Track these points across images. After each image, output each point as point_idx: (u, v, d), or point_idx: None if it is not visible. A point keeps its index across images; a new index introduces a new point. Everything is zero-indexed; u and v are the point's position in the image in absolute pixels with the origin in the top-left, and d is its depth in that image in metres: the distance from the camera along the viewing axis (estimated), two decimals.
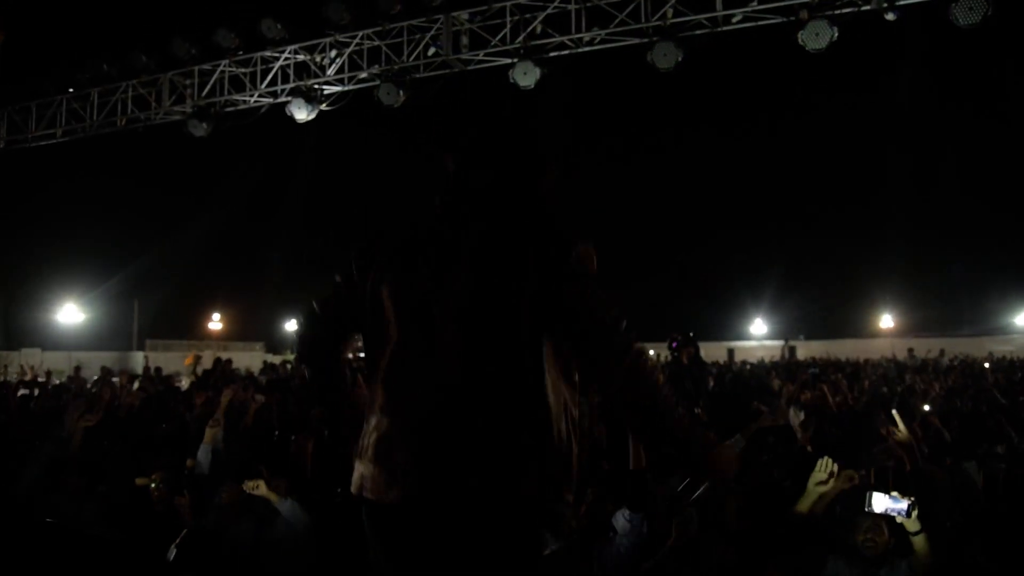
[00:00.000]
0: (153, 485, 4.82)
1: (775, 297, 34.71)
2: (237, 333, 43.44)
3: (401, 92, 9.73)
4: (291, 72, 10.95)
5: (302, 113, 10.57)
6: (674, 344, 9.67)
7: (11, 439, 6.48)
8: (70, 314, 33.67)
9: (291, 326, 41.13)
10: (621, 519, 4.08)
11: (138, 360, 30.93)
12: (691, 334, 9.64)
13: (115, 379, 11.96)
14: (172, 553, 3.65)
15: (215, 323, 42.24)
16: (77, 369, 15.74)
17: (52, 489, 4.90)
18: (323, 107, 10.68)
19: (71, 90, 12.70)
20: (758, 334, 35.77)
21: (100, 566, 3.30)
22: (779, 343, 29.93)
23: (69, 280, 33.82)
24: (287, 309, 40.99)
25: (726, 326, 35.13)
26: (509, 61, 9.22)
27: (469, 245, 1.85)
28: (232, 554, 4.11)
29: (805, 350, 28.99)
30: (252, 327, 42.84)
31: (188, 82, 11.85)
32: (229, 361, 15.12)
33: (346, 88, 10.64)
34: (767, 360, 25.23)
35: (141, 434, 6.67)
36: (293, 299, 40.98)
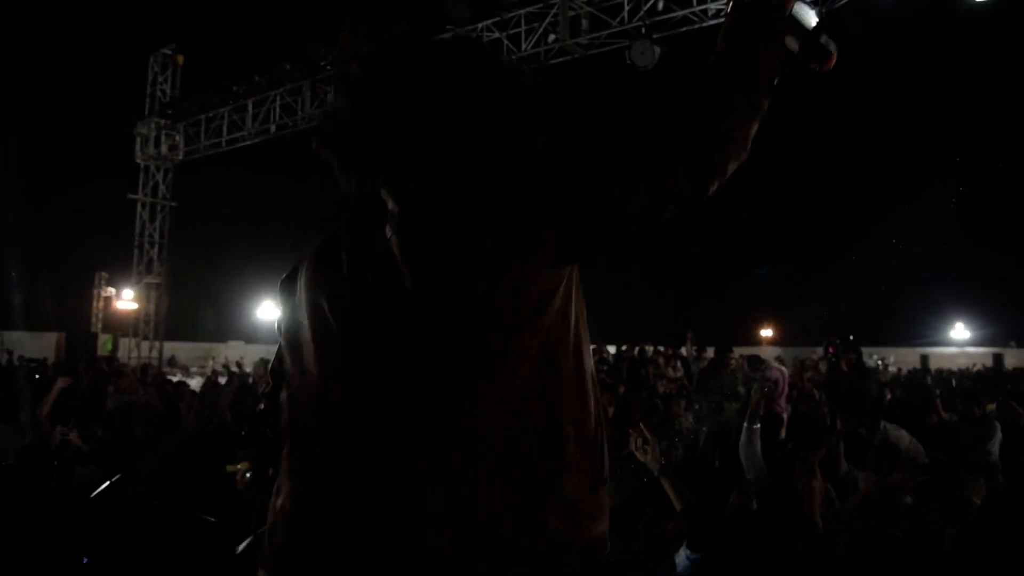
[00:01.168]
0: (239, 475, 4.80)
1: (980, 298, 30.64)
2: None
3: None
4: None
5: None
6: (831, 350, 8.79)
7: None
8: (267, 310, 36.56)
9: None
10: (683, 557, 3.51)
11: None
12: (851, 338, 8.67)
13: None
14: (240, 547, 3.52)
15: None
16: (263, 361, 16.28)
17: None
18: None
19: (231, 102, 13.65)
20: (959, 339, 31.73)
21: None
22: (985, 350, 26.27)
23: (267, 279, 36.71)
24: None
25: (920, 330, 31.34)
26: (628, 43, 8.58)
27: None
28: None
29: (1015, 359, 25.27)
30: None
31: (328, 88, 12.28)
32: None
33: None
34: (969, 369, 22.25)
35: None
36: None
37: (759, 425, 4.29)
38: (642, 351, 12.55)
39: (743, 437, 4.24)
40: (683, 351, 12.03)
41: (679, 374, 10.87)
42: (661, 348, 13.36)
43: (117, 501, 4.03)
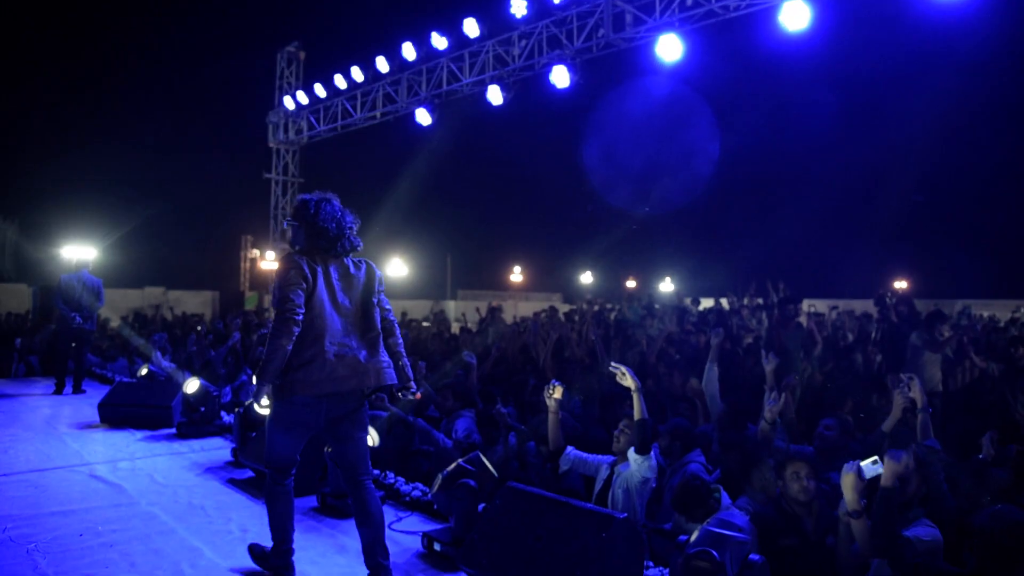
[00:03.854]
0: None
1: None
2: (537, 284, 46.85)
3: (571, 74, 10.62)
4: (489, 62, 12.43)
5: (498, 99, 11.99)
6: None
7: None
8: (397, 267, 39.14)
9: (586, 278, 43.69)
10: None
11: (451, 308, 35.68)
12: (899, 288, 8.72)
13: (425, 323, 14.37)
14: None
15: (516, 275, 45.93)
16: (403, 315, 17.15)
17: None
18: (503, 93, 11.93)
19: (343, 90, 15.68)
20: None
21: None
22: None
23: (396, 238, 39.23)
24: (582, 261, 43.24)
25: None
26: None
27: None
28: None
29: None
30: (551, 278, 45.77)
31: (420, 78, 14.00)
32: (499, 308, 16.75)
33: (535, 72, 11.81)
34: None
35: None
36: (587, 251, 43.42)
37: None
38: (731, 303, 12.64)
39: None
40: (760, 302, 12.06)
41: (763, 326, 10.50)
42: (744, 301, 13.61)
43: None
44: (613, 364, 4.43)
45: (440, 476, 4.09)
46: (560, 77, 10.62)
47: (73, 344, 9.16)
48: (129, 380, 8.88)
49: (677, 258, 35.88)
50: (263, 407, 3.32)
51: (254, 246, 22.57)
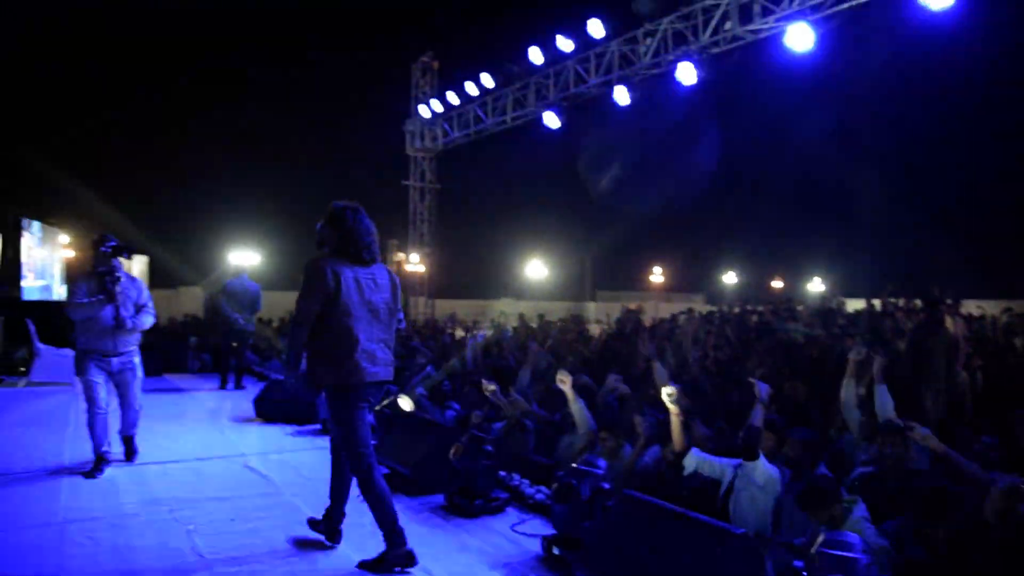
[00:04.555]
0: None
1: None
2: (678, 285, 45.87)
3: (696, 70, 10.40)
4: (615, 62, 12.39)
5: (624, 99, 11.94)
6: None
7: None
8: (536, 269, 39.47)
9: (729, 278, 42.36)
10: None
11: (590, 309, 35.69)
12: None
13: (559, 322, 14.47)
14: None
15: (656, 276, 45.19)
16: (540, 316, 16.83)
17: None
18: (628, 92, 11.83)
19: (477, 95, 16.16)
20: None
21: None
22: None
23: (534, 240, 39.60)
24: (726, 260, 42.00)
25: None
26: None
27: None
28: None
29: None
30: (693, 279, 44.70)
31: (547, 82, 14.18)
32: (637, 310, 16.56)
33: (662, 70, 11.65)
34: None
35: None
36: (730, 251, 42.07)
37: None
38: (884, 304, 12.13)
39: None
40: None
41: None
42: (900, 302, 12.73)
43: None
44: (666, 390, 4.46)
45: (556, 482, 4.18)
46: (686, 74, 10.43)
47: (235, 344, 10.07)
48: (281, 378, 9.60)
49: (829, 257, 33.90)
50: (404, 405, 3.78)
51: (399, 250, 23.58)
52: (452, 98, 16.95)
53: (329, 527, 4.08)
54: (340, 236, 3.77)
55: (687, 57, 10.65)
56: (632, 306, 16.07)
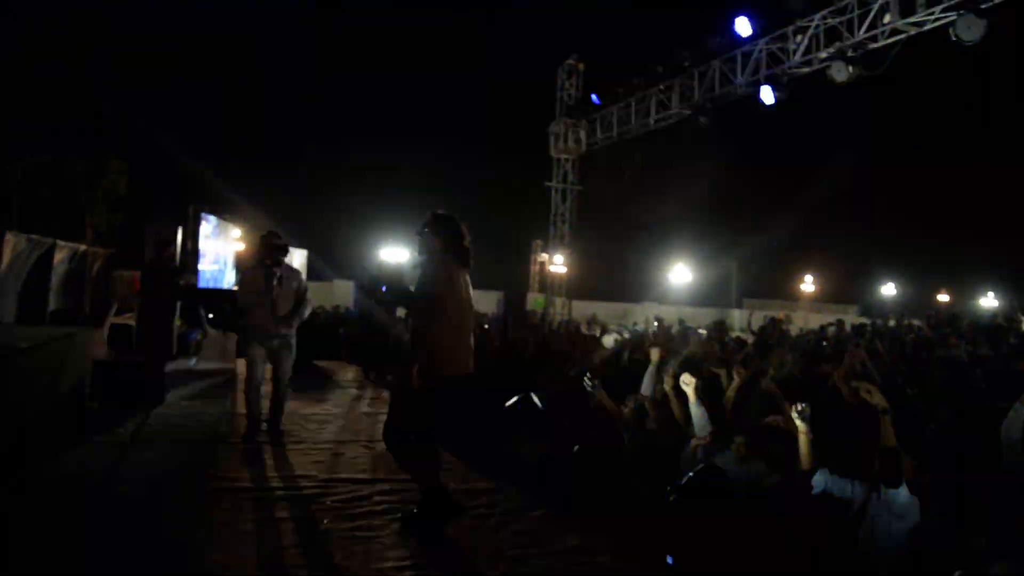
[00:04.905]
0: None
1: None
2: (830, 295, 43.49)
3: (850, 68, 9.82)
4: (763, 61, 11.94)
5: (770, 97, 11.48)
6: None
7: None
8: (680, 274, 38.68)
9: (888, 289, 39.58)
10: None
11: (735, 317, 34.52)
12: None
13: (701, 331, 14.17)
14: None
15: (807, 284, 43.04)
16: (681, 322, 17.63)
17: None
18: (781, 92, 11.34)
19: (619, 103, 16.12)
20: None
21: None
22: None
23: (678, 244, 38.77)
24: (883, 271, 39.49)
25: None
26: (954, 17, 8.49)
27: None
28: None
29: None
30: (846, 289, 42.30)
31: (692, 83, 13.89)
32: (780, 320, 15.90)
33: (813, 68, 11.10)
34: None
35: None
36: (889, 260, 39.31)
37: None
38: None
39: None
40: None
41: None
42: None
43: None
44: (861, 384, 4.14)
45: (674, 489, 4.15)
46: (839, 71, 9.89)
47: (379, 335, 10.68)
48: None
49: (1007, 269, 30.88)
50: None
51: (544, 250, 23.91)
52: (597, 99, 17.00)
53: (438, 507, 4.18)
54: (450, 240, 4.13)
55: (840, 55, 10.10)
56: (779, 315, 15.43)
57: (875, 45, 9.96)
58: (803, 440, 4.41)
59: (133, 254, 15.14)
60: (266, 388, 6.39)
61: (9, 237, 11.76)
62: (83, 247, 15.45)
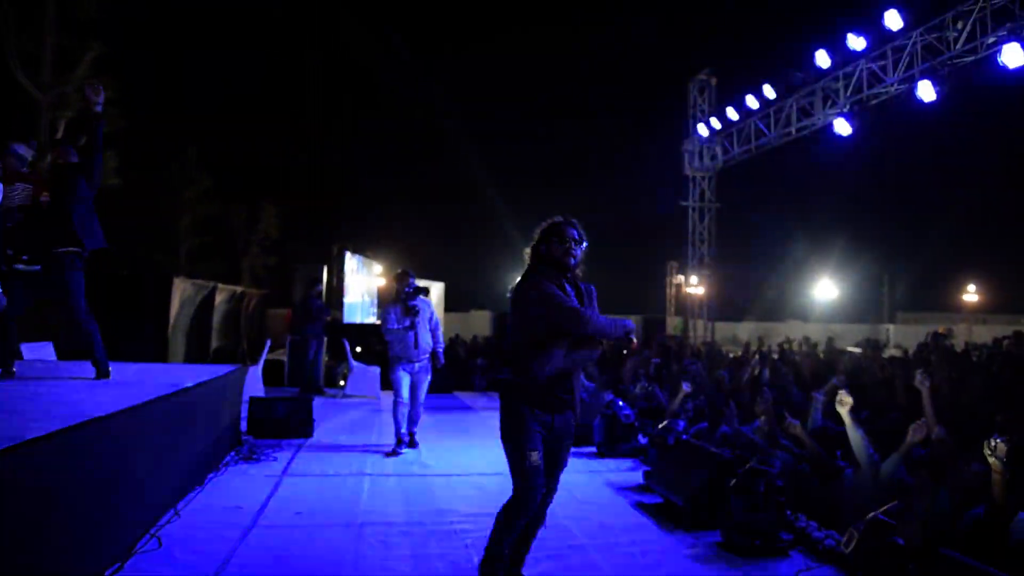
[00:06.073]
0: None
1: None
2: (999, 304, 39.77)
3: None
4: (918, 54, 10.95)
5: (930, 95, 10.50)
6: None
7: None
8: (825, 289, 36.53)
9: None
10: None
11: (889, 332, 32.14)
12: None
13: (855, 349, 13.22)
14: None
15: (970, 294, 39.58)
16: (830, 340, 15.85)
17: None
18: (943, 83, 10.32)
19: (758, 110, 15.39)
20: None
21: None
22: None
23: (823, 256, 36.58)
24: None
25: None
26: None
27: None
28: None
29: None
30: (1018, 297, 38.48)
31: (836, 86, 13.00)
32: (943, 335, 14.55)
33: (979, 56, 10.04)
34: None
35: None
36: None
37: None
38: None
39: None
40: None
41: None
42: None
43: None
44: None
45: (855, 530, 3.67)
46: (1013, 55, 8.84)
47: None
48: None
49: None
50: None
51: (679, 272, 23.24)
52: (731, 114, 16.31)
53: None
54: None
55: (1013, 35, 9.07)
56: (940, 329, 14.17)
57: None
58: (996, 480, 3.77)
59: (285, 293, 16.03)
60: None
61: (177, 283, 12.69)
62: (240, 289, 16.51)
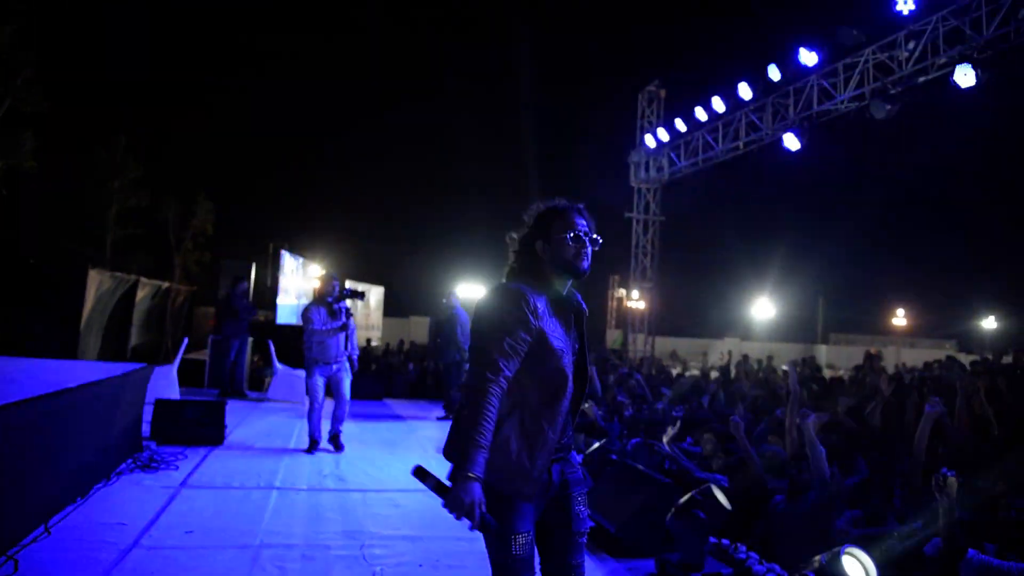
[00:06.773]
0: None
1: None
2: (925, 329, 41.02)
3: (978, 72, 8.73)
4: (869, 72, 10.91)
5: (881, 112, 10.45)
6: None
7: None
8: (763, 309, 36.98)
9: (988, 323, 36.95)
10: None
11: (821, 353, 32.66)
12: None
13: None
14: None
15: (899, 319, 40.69)
16: (769, 359, 16.02)
17: None
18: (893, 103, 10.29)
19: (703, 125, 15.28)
20: None
21: None
22: None
23: (763, 275, 36.93)
24: (983, 303, 37.07)
25: None
26: None
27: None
28: None
29: None
30: (942, 323, 39.76)
31: (785, 102, 12.92)
32: (876, 356, 14.65)
33: (929, 77, 10.01)
34: None
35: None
36: (989, 291, 36.76)
37: None
38: None
39: None
40: None
41: None
42: None
43: None
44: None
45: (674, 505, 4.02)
46: (964, 77, 8.81)
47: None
48: None
49: None
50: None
51: (620, 285, 23.09)
52: (680, 125, 16.16)
53: None
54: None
55: (963, 59, 9.03)
56: (872, 351, 14.36)
57: (1007, 45, 8.84)
58: (947, 515, 3.46)
59: (216, 291, 15.20)
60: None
61: (93, 274, 11.80)
62: (166, 284, 15.59)
